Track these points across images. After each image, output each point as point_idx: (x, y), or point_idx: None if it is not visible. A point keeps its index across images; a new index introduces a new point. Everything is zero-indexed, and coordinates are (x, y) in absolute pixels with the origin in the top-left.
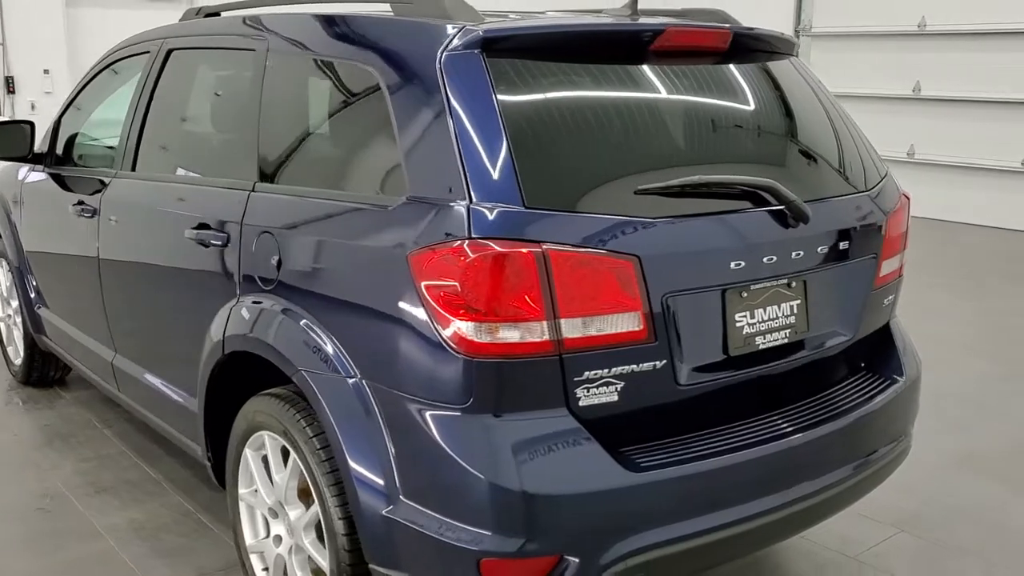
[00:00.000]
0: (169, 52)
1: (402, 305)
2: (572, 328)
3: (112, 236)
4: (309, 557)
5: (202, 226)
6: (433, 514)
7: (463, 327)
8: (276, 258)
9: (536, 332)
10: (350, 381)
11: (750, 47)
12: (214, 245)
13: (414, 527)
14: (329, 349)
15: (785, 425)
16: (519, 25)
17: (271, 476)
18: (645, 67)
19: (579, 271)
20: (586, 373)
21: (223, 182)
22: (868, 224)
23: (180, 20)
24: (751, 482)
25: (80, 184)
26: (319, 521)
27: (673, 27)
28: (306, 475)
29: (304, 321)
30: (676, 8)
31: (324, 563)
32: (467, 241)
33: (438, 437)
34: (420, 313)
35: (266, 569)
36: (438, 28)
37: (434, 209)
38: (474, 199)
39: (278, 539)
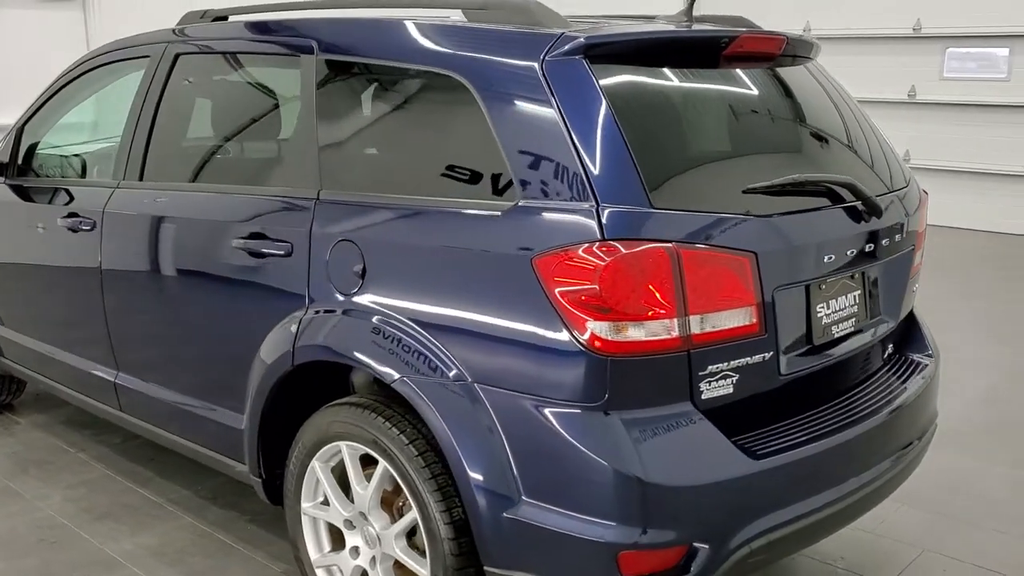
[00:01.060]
0: (177, 57)
1: (525, 307)
2: (699, 324)
3: (122, 249)
4: (396, 565)
5: (255, 236)
6: (564, 512)
7: (598, 327)
8: (360, 266)
9: (668, 329)
10: (460, 385)
11: (793, 52)
12: (273, 255)
13: (542, 526)
14: (433, 355)
15: (859, 408)
16: (617, 32)
17: (349, 487)
18: (722, 71)
19: (706, 268)
20: (709, 367)
21: (275, 191)
22: (909, 218)
23: (179, 24)
24: (843, 463)
25: (66, 196)
26: (410, 528)
27: (747, 33)
28: (401, 482)
29: (402, 328)
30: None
31: (422, 570)
32: (602, 243)
33: (570, 436)
34: (548, 315)
35: None
36: (538, 35)
37: (558, 213)
38: (601, 201)
39: (355, 551)
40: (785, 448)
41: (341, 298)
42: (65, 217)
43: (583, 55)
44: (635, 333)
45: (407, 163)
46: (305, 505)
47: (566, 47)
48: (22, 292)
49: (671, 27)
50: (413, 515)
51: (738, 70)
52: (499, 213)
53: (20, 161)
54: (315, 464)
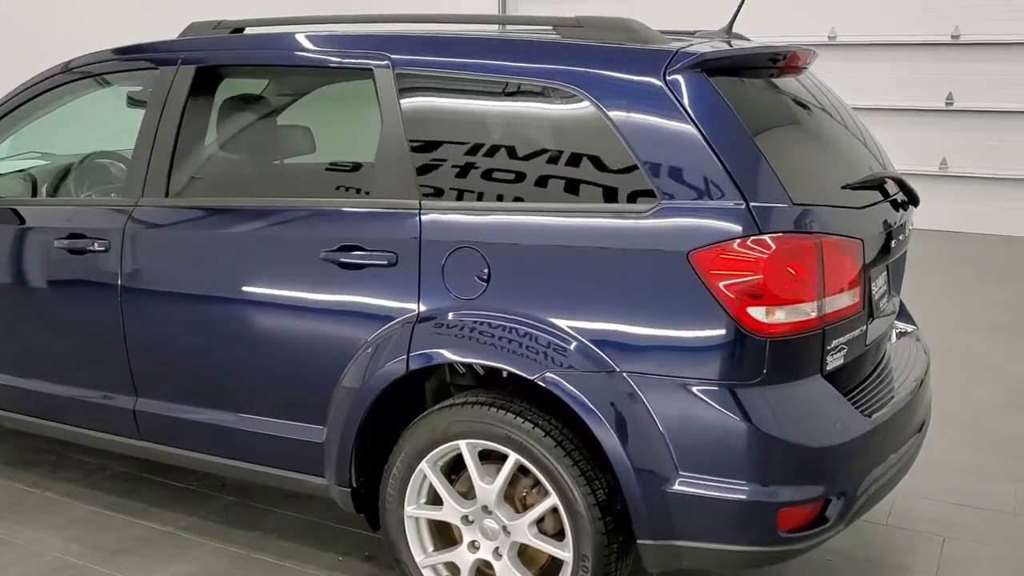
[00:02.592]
0: (198, 69)
1: (678, 298)
2: (831, 305)
3: (156, 269)
4: (523, 554)
5: (348, 248)
6: (726, 481)
7: (756, 312)
8: (485, 270)
9: (812, 310)
10: (608, 375)
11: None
12: (372, 265)
13: (704, 495)
14: (578, 348)
15: (904, 375)
16: (723, 48)
17: (471, 484)
18: (780, 80)
19: (837, 255)
20: (833, 342)
21: (368, 202)
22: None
23: (184, 35)
24: (904, 423)
25: (63, 216)
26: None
27: (796, 49)
28: (539, 472)
29: (541, 326)
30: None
31: (562, 552)
32: (759, 236)
33: (732, 412)
34: (707, 303)
35: None
36: (656, 51)
37: (708, 211)
38: (749, 200)
39: (474, 545)
40: (879, 407)
41: (461, 303)
42: (65, 238)
43: (701, 69)
44: (787, 316)
45: (523, 171)
46: (409, 508)
47: (685, 62)
48: None
49: (751, 43)
50: (551, 501)
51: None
52: (641, 215)
53: None
54: (423, 466)
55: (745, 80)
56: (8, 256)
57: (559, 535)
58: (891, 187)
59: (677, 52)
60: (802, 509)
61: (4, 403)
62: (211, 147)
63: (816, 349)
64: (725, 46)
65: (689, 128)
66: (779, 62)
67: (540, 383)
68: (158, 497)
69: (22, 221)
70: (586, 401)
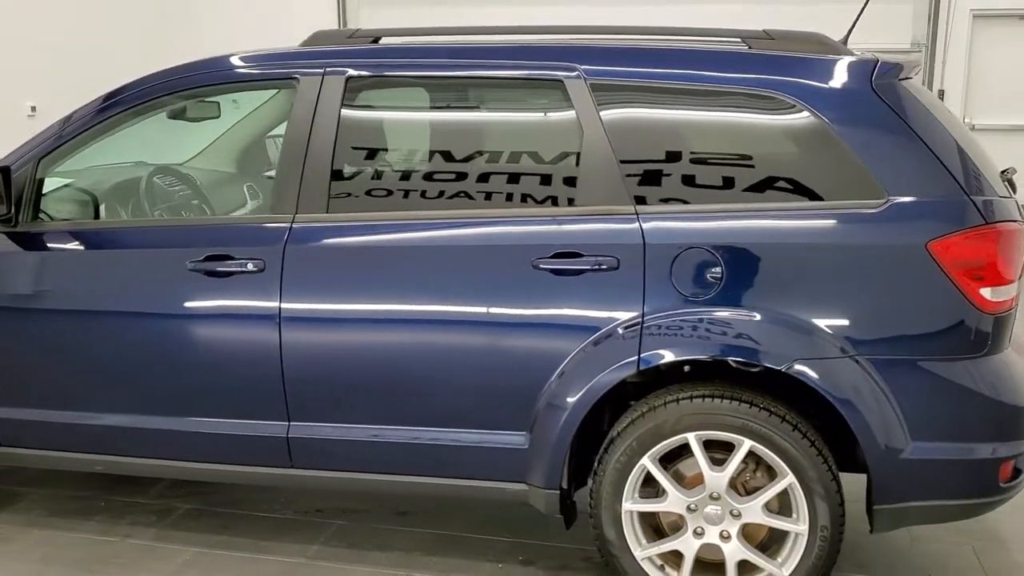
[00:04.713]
0: (350, 80)
1: (918, 284)
2: (1021, 283)
3: (333, 288)
4: (743, 533)
5: (563, 255)
6: (956, 444)
7: (986, 292)
8: (718, 270)
9: (1014, 288)
10: (848, 360)
11: None
12: (592, 270)
13: (937, 459)
14: (819, 338)
15: None
16: (897, 59)
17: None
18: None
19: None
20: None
21: (570, 210)
22: None
23: (312, 44)
24: None
25: (193, 236)
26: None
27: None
28: (776, 456)
29: (781, 320)
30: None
31: (796, 525)
32: (989, 225)
33: (966, 382)
34: (944, 287)
35: (662, 567)
36: (862, 61)
37: (939, 205)
38: (970, 193)
39: (697, 532)
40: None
41: (691, 302)
42: (203, 260)
43: (899, 77)
44: (1005, 294)
45: (734, 175)
46: (627, 504)
47: (887, 71)
48: (73, 357)
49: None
50: (786, 481)
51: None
52: (873, 212)
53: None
54: (645, 461)
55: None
56: (119, 283)
57: (780, 512)
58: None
59: (879, 62)
60: (1013, 462)
61: (97, 444)
62: (379, 160)
63: (1011, 323)
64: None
65: (905, 129)
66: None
67: (788, 372)
68: (258, 529)
69: (126, 244)
70: (833, 386)
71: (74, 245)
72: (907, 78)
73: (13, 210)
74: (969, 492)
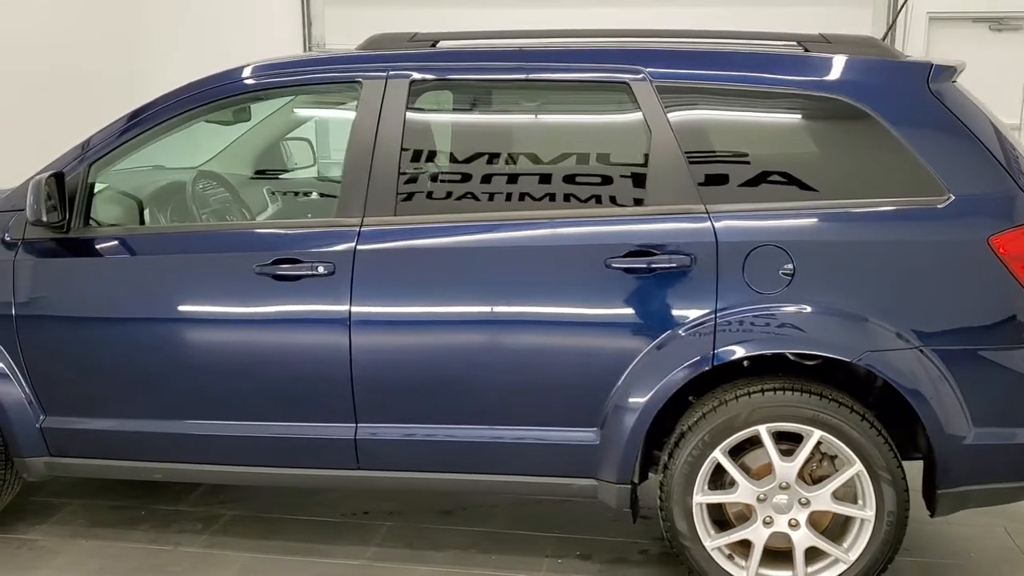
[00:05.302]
0: (415, 83)
1: (980, 277)
2: None
3: (404, 290)
4: (810, 520)
5: (637, 253)
6: (1011, 429)
7: None
8: (789, 267)
9: None
10: (915, 351)
11: None
12: (666, 268)
13: (998, 444)
14: (886, 330)
15: None
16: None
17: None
18: None
19: None
20: None
21: (642, 210)
22: None
23: (373, 48)
24: None
25: (260, 239)
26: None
27: None
28: (845, 445)
29: (850, 314)
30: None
31: (863, 511)
32: None
33: (1022, 369)
34: (1005, 279)
35: (731, 557)
36: (918, 64)
37: (998, 201)
38: (1022, 188)
39: (767, 521)
40: None
41: (763, 298)
42: (270, 264)
43: (952, 79)
44: None
45: (806, 172)
46: (698, 496)
47: (941, 73)
48: (136, 365)
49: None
50: (855, 469)
51: None
52: (936, 208)
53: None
54: (717, 454)
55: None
56: (183, 288)
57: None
58: None
59: (934, 65)
60: None
61: (158, 452)
62: (445, 162)
63: None
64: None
65: (962, 128)
66: None
67: (858, 364)
68: (309, 533)
69: (189, 248)
70: (901, 376)
71: (133, 251)
72: (955, 79)
73: (67, 216)
74: None
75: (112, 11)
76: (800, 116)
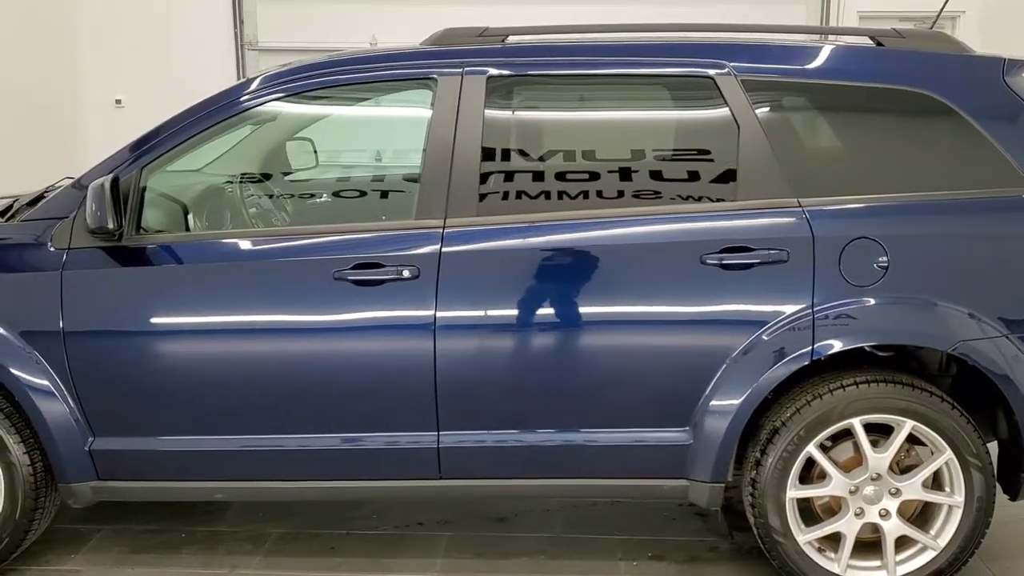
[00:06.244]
0: (492, 79)
1: None
2: None
3: (490, 292)
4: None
5: (732, 249)
6: None
7: None
8: (883, 259)
9: None
10: (1001, 339)
11: None
12: (761, 263)
13: None
14: (978, 320)
15: None
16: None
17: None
18: None
19: None
20: None
21: (737, 205)
22: None
23: (441, 43)
24: None
25: (336, 244)
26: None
27: None
28: (936, 435)
29: (942, 304)
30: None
31: (952, 497)
32: None
33: None
34: None
35: (821, 550)
36: (992, 59)
37: None
38: None
39: (858, 513)
40: None
41: (858, 292)
42: (350, 269)
43: (1021, 73)
44: None
45: (894, 165)
46: (791, 491)
47: (1014, 67)
48: (201, 379)
49: None
50: (945, 457)
51: None
52: (1023, 197)
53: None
54: (811, 449)
55: None
56: (253, 296)
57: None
58: None
59: (1007, 59)
60: None
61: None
62: (526, 160)
63: None
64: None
65: None
66: None
67: (953, 354)
68: (368, 548)
69: (257, 255)
70: (993, 364)
71: (197, 258)
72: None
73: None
74: None
75: (38, 7)
76: (883, 110)
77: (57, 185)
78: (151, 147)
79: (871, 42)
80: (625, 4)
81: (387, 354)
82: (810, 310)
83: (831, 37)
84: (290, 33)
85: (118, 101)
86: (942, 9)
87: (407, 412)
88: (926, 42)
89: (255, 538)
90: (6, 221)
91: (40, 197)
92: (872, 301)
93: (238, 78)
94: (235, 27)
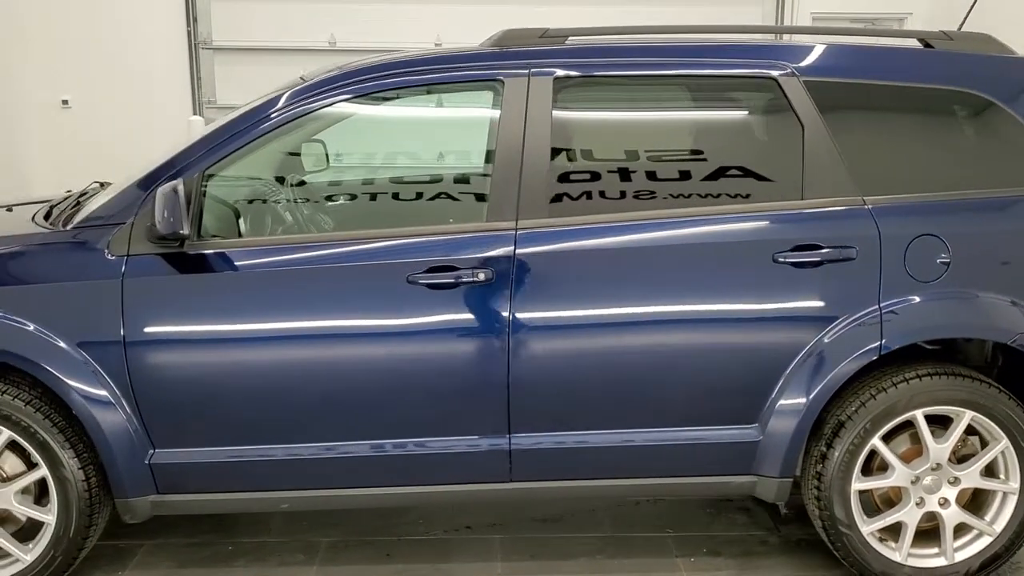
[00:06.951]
0: (556, 80)
1: None
2: None
3: (564, 294)
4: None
5: (804, 247)
6: None
7: None
8: (945, 255)
9: None
10: None
11: None
12: (833, 261)
13: None
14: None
15: None
16: None
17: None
18: None
19: None
20: None
21: (806, 203)
22: None
23: (504, 45)
24: None
25: (409, 247)
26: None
27: None
28: (992, 424)
29: (1002, 296)
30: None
31: (1008, 484)
32: None
33: None
34: None
35: (882, 540)
36: None
37: None
38: None
39: (919, 502)
40: None
41: (922, 287)
42: (424, 272)
43: None
44: None
45: (951, 163)
46: (856, 484)
47: None
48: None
49: None
50: (1001, 446)
51: None
52: None
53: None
54: (875, 441)
55: None
56: (325, 302)
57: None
58: None
59: None
60: None
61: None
62: (595, 161)
63: None
64: None
65: None
66: None
67: (1012, 345)
68: (423, 553)
69: (327, 259)
70: None
71: (265, 264)
72: None
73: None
74: None
75: None
76: (937, 110)
77: (89, 189)
78: (213, 149)
79: (919, 44)
80: (590, 5)
81: (461, 357)
82: (878, 306)
83: (880, 39)
84: (246, 31)
85: (65, 102)
86: (969, 11)
87: (479, 415)
88: (974, 44)
89: (306, 548)
90: (52, 226)
91: (76, 203)
92: (936, 296)
93: (192, 78)
94: (188, 25)
